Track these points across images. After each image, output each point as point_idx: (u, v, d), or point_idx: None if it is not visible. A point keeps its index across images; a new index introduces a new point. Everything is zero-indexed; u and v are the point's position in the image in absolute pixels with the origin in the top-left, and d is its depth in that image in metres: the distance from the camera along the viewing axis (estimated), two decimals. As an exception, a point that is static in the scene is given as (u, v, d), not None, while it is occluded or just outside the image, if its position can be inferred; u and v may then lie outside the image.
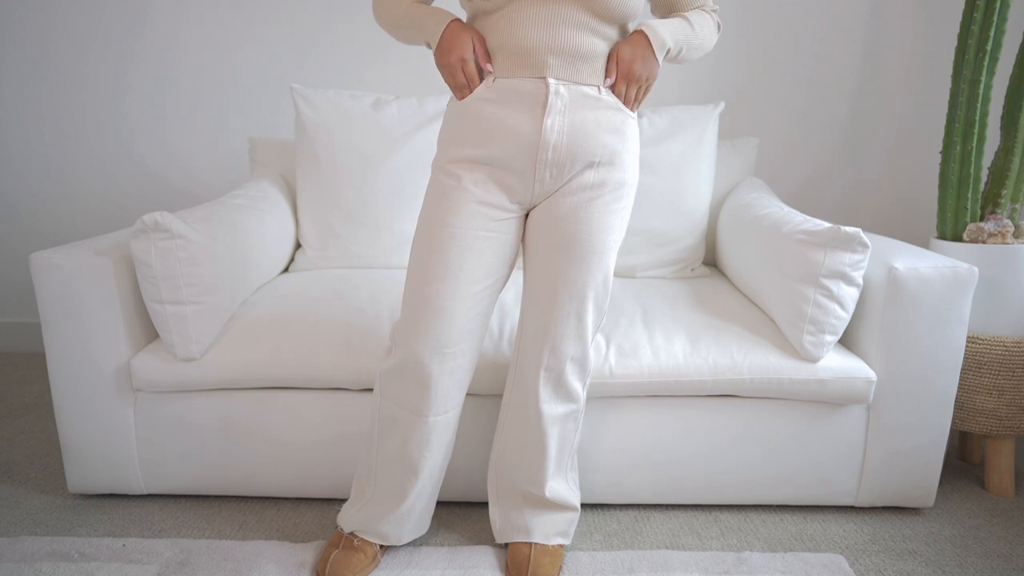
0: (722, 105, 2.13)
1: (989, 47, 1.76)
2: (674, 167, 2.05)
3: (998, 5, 1.74)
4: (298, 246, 2.16)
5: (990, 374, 1.71)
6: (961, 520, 1.66)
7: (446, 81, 1.31)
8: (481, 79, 1.29)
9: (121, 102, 2.59)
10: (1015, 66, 1.79)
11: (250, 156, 2.27)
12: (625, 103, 1.31)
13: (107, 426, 1.61)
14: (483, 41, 1.28)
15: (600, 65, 1.28)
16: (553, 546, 1.45)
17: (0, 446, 1.98)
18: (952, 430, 2.00)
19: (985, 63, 1.76)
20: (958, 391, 1.76)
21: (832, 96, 2.51)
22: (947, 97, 2.49)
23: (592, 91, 1.28)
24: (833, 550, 1.54)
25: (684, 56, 1.36)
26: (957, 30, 2.44)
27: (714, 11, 1.40)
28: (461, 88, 1.30)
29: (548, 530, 1.45)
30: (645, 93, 1.33)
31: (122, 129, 2.62)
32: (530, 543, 1.43)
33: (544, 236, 1.34)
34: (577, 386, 1.40)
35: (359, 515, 1.44)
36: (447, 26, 1.27)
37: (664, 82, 2.52)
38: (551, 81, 1.25)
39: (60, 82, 2.58)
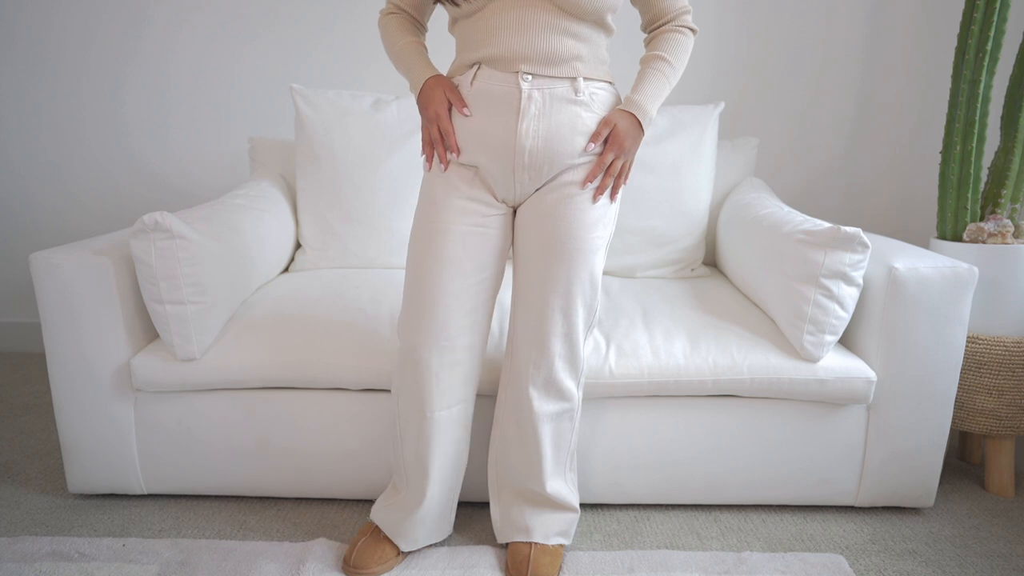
0: (722, 105, 2.13)
1: (989, 47, 1.76)
2: (674, 167, 2.05)
3: (998, 5, 1.74)
4: (298, 246, 2.16)
5: (990, 374, 1.71)
6: (961, 520, 1.66)
7: (423, 135, 1.37)
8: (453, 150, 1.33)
9: (121, 102, 2.59)
10: (1015, 66, 1.79)
11: (250, 156, 2.27)
12: (603, 183, 1.33)
13: (107, 426, 1.61)
14: (455, 89, 1.32)
15: (577, 66, 1.29)
16: (553, 546, 1.45)
17: (0, 446, 1.98)
18: (952, 430, 2.00)
19: (985, 63, 1.76)
20: (958, 391, 1.76)
21: (832, 96, 2.51)
22: (947, 97, 2.49)
23: (567, 92, 1.28)
24: (833, 550, 1.54)
25: None
26: (957, 30, 2.44)
27: (687, 20, 1.37)
28: (430, 144, 1.35)
29: (548, 530, 1.45)
30: (626, 176, 1.36)
31: (122, 129, 2.62)
32: (530, 543, 1.43)
33: (529, 235, 1.36)
34: (569, 384, 1.40)
35: (387, 513, 1.47)
36: (424, 83, 1.34)
37: (664, 82, 2.52)
38: (524, 86, 1.26)
39: (60, 82, 2.58)
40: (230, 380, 1.57)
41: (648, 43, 1.40)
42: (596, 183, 1.33)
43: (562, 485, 1.46)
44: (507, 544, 1.49)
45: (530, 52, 1.25)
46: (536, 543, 1.43)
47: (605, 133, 1.30)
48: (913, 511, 1.70)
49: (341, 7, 2.49)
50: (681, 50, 1.36)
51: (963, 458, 1.94)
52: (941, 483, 1.83)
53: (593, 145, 1.30)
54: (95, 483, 1.66)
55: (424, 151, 1.37)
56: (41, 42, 2.55)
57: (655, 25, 1.39)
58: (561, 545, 1.47)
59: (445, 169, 1.34)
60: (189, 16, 2.52)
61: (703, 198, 2.09)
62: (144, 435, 1.63)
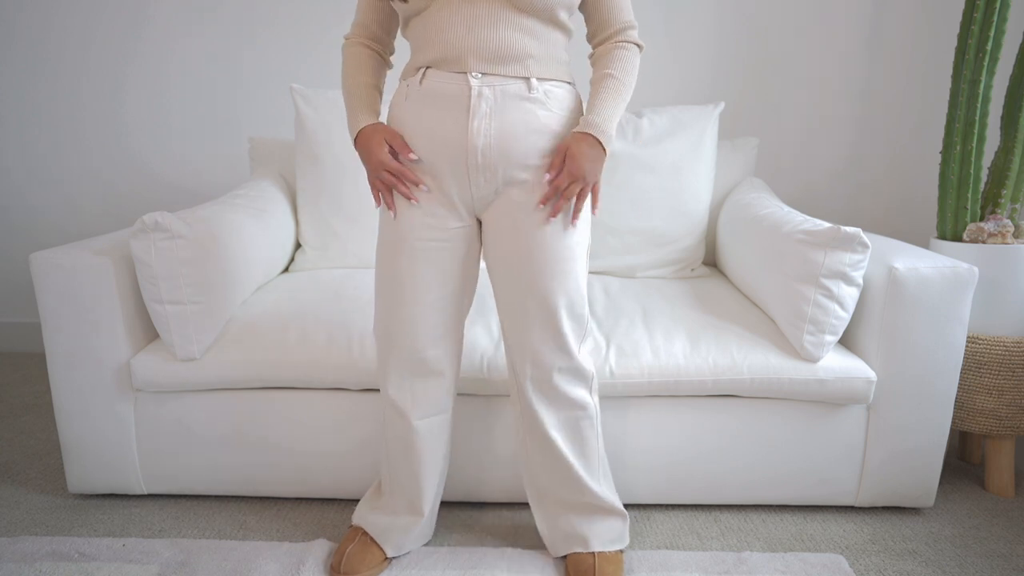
0: (722, 105, 2.13)
1: (989, 47, 1.76)
2: (674, 167, 2.05)
3: (998, 5, 1.74)
4: (298, 246, 2.16)
5: (990, 374, 1.71)
6: (961, 520, 1.66)
7: (370, 182, 1.32)
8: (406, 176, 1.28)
9: (120, 102, 2.60)
10: (1015, 66, 1.79)
11: (250, 156, 2.27)
12: (556, 205, 1.25)
13: (107, 426, 1.61)
14: (397, 136, 1.28)
15: (530, 65, 1.24)
16: (613, 552, 1.43)
17: (0, 446, 1.98)
18: (952, 430, 2.00)
19: (985, 63, 1.76)
20: (958, 391, 1.76)
21: (832, 96, 2.51)
22: (947, 97, 2.49)
23: (520, 90, 1.24)
24: (833, 550, 1.54)
25: None
26: (957, 30, 2.44)
27: (632, 35, 1.31)
28: (387, 189, 1.30)
29: (604, 536, 1.43)
30: (595, 198, 1.30)
31: (122, 129, 2.62)
32: (592, 552, 1.41)
33: (500, 248, 1.32)
34: (576, 392, 1.36)
35: (376, 517, 1.46)
36: (361, 131, 1.29)
37: (664, 82, 2.52)
38: (474, 83, 1.22)
39: (60, 82, 2.58)
40: (230, 380, 1.57)
41: (594, 61, 1.34)
42: (550, 206, 1.27)
43: (601, 490, 1.43)
44: (564, 557, 1.46)
45: (479, 48, 1.21)
46: (598, 552, 1.41)
47: (560, 161, 1.24)
48: (913, 511, 1.70)
49: (341, 7, 2.50)
50: (629, 67, 1.29)
51: (963, 458, 1.94)
52: (941, 483, 1.83)
53: (549, 176, 1.24)
54: (95, 483, 1.66)
55: (376, 197, 1.33)
56: (41, 42, 2.55)
57: (599, 38, 1.33)
58: (621, 551, 1.45)
59: (416, 201, 1.29)
60: (189, 16, 2.52)
61: (703, 198, 2.09)
62: (144, 435, 1.63)
